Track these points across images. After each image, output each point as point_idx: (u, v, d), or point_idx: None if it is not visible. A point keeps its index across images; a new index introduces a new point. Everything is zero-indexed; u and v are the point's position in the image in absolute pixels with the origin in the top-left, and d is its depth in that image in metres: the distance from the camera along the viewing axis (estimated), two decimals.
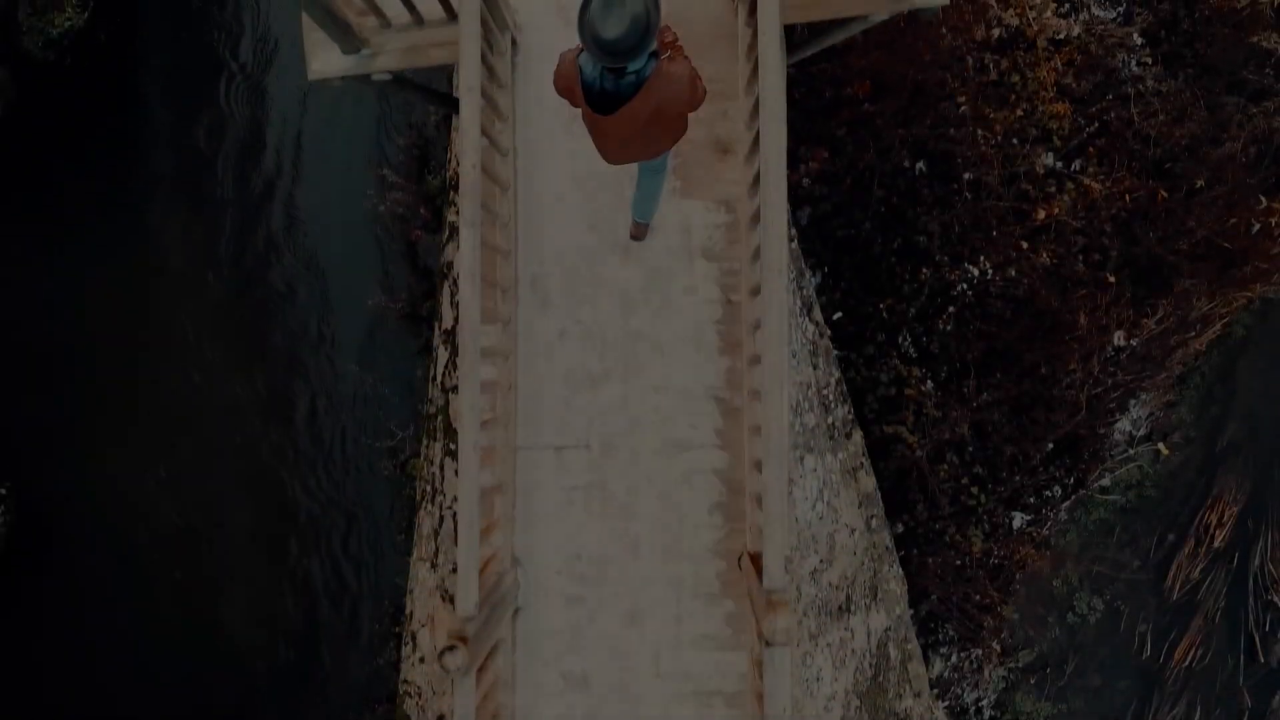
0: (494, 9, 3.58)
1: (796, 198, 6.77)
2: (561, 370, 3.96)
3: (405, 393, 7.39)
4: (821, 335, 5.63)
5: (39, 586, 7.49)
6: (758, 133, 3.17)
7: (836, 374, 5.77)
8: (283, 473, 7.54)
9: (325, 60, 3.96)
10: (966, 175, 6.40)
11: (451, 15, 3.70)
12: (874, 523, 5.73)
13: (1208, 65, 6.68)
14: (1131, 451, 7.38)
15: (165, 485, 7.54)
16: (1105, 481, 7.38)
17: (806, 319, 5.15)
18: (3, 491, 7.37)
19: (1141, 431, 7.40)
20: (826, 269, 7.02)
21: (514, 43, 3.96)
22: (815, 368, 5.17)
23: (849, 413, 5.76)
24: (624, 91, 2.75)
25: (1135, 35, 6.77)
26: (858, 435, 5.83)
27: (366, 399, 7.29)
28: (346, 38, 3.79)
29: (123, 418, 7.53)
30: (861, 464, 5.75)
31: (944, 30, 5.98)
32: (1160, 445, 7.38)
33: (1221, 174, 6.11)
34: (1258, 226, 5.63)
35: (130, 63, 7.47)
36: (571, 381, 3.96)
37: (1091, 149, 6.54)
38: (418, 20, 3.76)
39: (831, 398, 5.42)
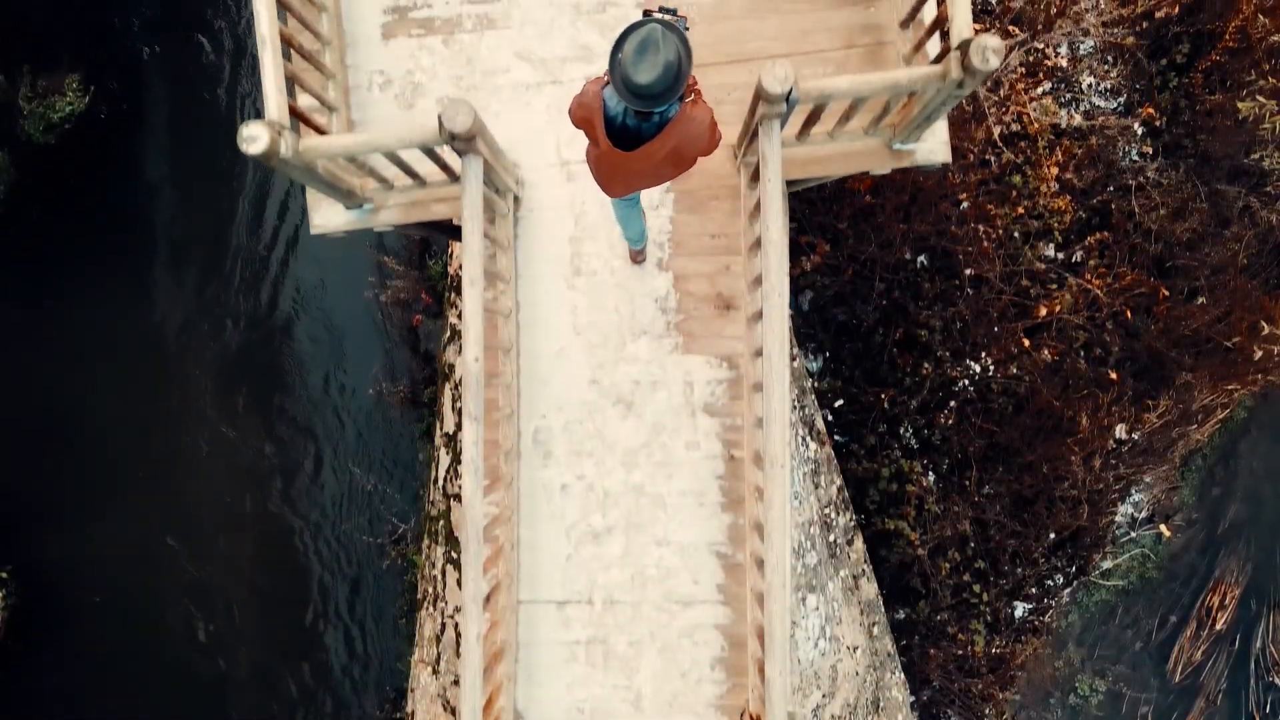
0: (496, 178, 3.58)
1: (798, 285, 6.78)
2: (564, 525, 3.96)
3: (407, 475, 7.39)
4: (823, 444, 5.63)
5: (43, 667, 7.48)
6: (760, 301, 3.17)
7: (838, 481, 5.77)
8: (285, 550, 7.53)
9: (328, 216, 3.96)
10: (968, 271, 6.40)
11: (453, 176, 3.71)
12: (876, 629, 5.73)
13: (1208, 155, 6.68)
14: (1134, 534, 7.37)
15: (167, 565, 7.54)
16: (1107, 564, 7.38)
17: (808, 438, 5.14)
18: (3, 575, 7.36)
19: (1144, 514, 7.39)
20: (827, 354, 7.02)
21: (516, 199, 3.96)
22: (817, 486, 5.16)
23: (850, 519, 5.76)
24: (645, 131, 2.72)
25: (1136, 125, 6.77)
26: (859, 542, 5.82)
27: (369, 484, 7.29)
28: (349, 198, 3.79)
29: (125, 498, 7.52)
30: (864, 571, 5.75)
31: None
32: (1162, 527, 7.37)
33: (1223, 277, 6.11)
34: (1260, 352, 5.62)
35: (131, 144, 7.46)
36: (573, 536, 3.96)
37: (1092, 240, 6.54)
38: (420, 182, 3.76)
39: (834, 513, 5.41)
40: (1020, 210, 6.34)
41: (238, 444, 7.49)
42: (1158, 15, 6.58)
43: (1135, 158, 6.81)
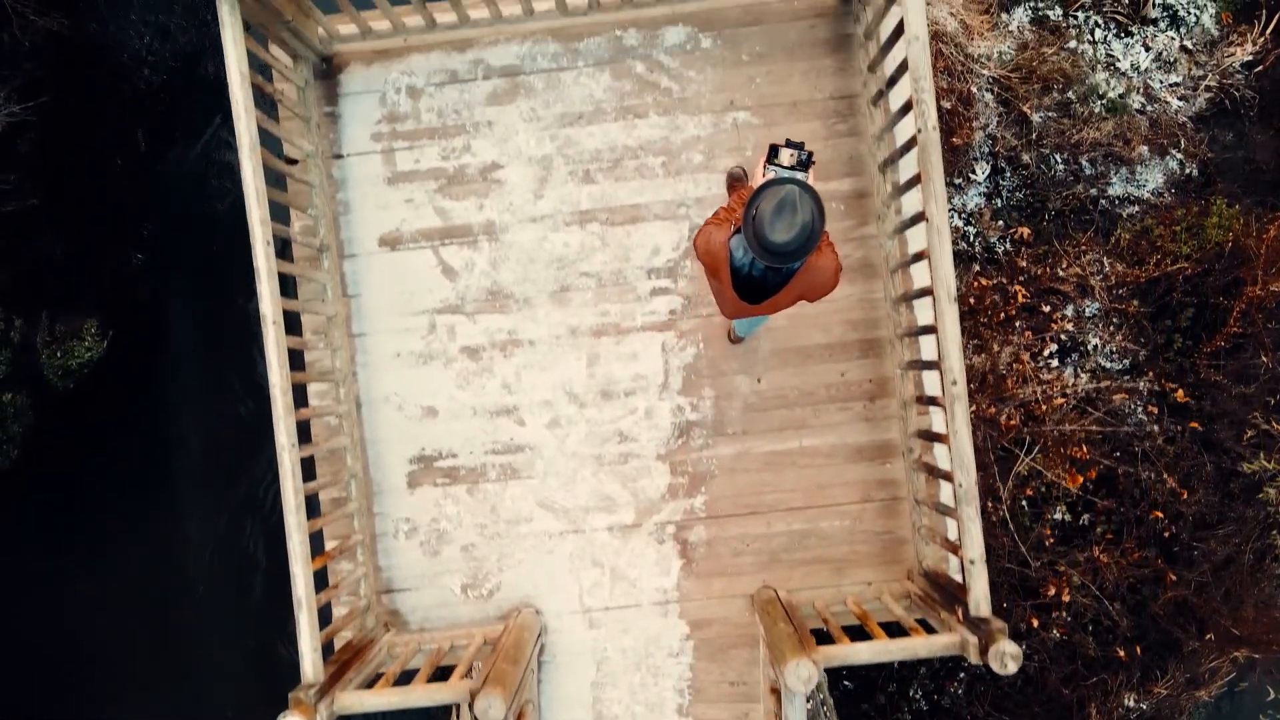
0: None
1: None
2: None
3: None
4: None
5: None
6: None
7: None
8: None
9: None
10: None
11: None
12: None
13: (1214, 416, 6.76)
14: None
15: None
16: None
17: None
18: None
19: None
20: None
21: (541, 647, 4.04)
22: None
23: None
24: (771, 281, 2.74)
25: (1141, 386, 6.86)
26: None
27: None
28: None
29: None
30: None
31: None
32: None
33: (1228, 570, 6.20)
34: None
35: (153, 391, 7.54)
36: None
37: (1099, 506, 6.62)
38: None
39: None
40: (1029, 491, 6.43)
41: (252, 681, 7.57)
42: (1163, 283, 6.69)
43: (1142, 416, 6.90)
